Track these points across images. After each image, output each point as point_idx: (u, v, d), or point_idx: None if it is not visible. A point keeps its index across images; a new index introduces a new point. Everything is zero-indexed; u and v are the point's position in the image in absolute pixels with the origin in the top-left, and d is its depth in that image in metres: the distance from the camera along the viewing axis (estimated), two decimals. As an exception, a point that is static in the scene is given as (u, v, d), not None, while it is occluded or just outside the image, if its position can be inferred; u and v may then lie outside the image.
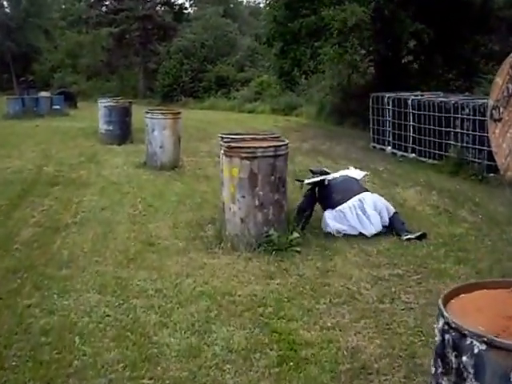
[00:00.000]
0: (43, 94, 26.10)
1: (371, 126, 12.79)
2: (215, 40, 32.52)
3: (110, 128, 13.64)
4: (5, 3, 42.01)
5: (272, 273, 4.97)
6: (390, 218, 6.17)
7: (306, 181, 6.31)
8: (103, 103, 14.36)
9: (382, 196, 7.83)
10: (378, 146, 12.40)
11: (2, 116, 21.71)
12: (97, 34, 35.84)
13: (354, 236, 6.00)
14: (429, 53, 15.06)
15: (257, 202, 5.36)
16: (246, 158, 5.24)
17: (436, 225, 6.49)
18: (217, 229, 5.89)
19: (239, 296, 4.48)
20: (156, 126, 9.90)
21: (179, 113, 10.31)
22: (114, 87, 34.84)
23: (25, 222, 6.62)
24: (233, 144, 5.40)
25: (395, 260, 5.33)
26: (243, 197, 5.36)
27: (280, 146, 5.40)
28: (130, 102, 14.37)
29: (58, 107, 23.23)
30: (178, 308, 4.28)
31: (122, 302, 4.39)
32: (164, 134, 9.86)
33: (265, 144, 5.41)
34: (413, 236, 5.91)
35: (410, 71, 16.27)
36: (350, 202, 6.08)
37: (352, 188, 6.32)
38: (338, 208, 6.09)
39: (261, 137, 6.01)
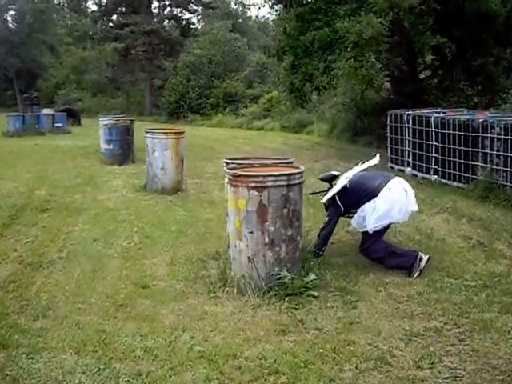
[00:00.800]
0: (46, 111, 25.53)
1: (388, 145, 12.00)
2: (223, 55, 31.98)
3: (111, 147, 12.93)
4: (9, 18, 41.66)
5: (285, 326, 4.17)
6: None
7: (325, 198, 5.51)
8: (104, 121, 13.67)
9: (407, 225, 7.16)
10: (397, 167, 11.59)
11: (1, 134, 21.15)
12: (102, 49, 35.37)
13: (380, 276, 5.20)
14: (448, 67, 14.30)
15: (267, 239, 4.57)
16: (255, 188, 4.46)
17: (471, 261, 5.67)
18: (221, 268, 5.09)
19: (246, 359, 3.68)
20: (157, 147, 9.15)
21: (182, 132, 9.55)
22: (120, 104, 34.38)
23: (5, 257, 5.86)
24: (239, 171, 4.62)
25: (429, 308, 4.51)
26: (251, 232, 4.58)
27: (294, 173, 4.61)
28: (131, 120, 13.64)
29: (60, 125, 22.67)
30: (170, 376, 3.49)
31: (103, 366, 3.60)
32: (165, 154, 9.11)
33: (276, 171, 4.62)
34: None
35: (428, 87, 15.47)
36: (391, 183, 5.34)
37: (379, 174, 5.70)
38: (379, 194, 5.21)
39: (271, 162, 5.21)
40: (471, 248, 6.13)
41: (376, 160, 5.85)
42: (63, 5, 57.19)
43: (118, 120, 13.61)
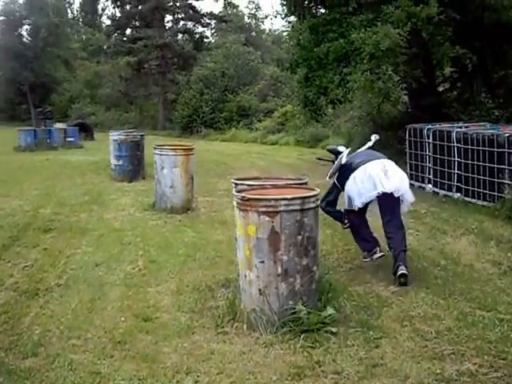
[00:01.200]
0: (58, 125, 25.42)
1: (408, 160, 11.52)
2: (236, 69, 31.72)
3: (120, 163, 12.60)
4: (24, 33, 41.80)
5: (300, 368, 3.72)
6: None
7: (329, 173, 5.94)
8: (114, 136, 13.37)
9: (430, 248, 6.70)
10: (417, 184, 11.11)
11: (13, 148, 20.98)
12: (115, 63, 35.30)
13: (405, 308, 4.74)
14: (468, 79, 13.83)
15: (279, 269, 4.15)
16: (266, 212, 4.04)
17: (504, 290, 5.18)
18: (230, 299, 4.66)
19: (256, 410, 3.25)
20: (165, 164, 8.77)
21: (192, 148, 9.16)
22: (133, 118, 34.22)
23: (0, 283, 5.48)
24: (249, 195, 4.20)
25: (461, 347, 4.03)
26: (262, 262, 4.16)
27: (309, 197, 4.18)
28: (141, 135, 13.31)
29: (72, 139, 22.47)
30: (169, 431, 3.07)
31: (93, 419, 3.19)
32: (174, 172, 8.73)
33: (289, 194, 4.19)
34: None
35: (447, 100, 14.99)
36: (372, 162, 5.66)
37: (369, 153, 6.01)
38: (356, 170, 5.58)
39: (283, 183, 4.79)
40: (502, 274, 5.65)
41: (371, 142, 6.29)
42: (78, 19, 57.58)
43: (127, 135, 13.30)
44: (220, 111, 29.74)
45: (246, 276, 4.28)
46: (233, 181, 4.88)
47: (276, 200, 4.04)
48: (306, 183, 4.91)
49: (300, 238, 4.11)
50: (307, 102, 14.02)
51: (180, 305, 4.85)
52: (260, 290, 4.20)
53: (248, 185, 4.68)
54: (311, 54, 13.29)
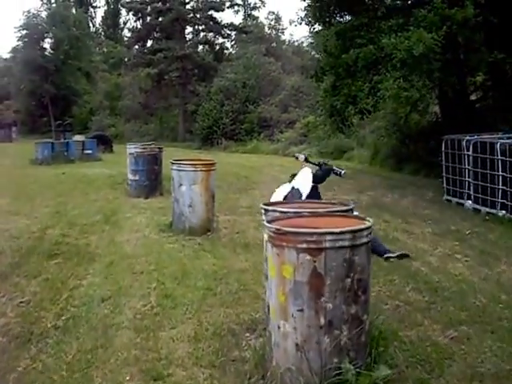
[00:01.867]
0: (77, 137, 24.86)
1: (444, 174, 10.64)
2: (257, 79, 31.02)
3: (137, 178, 11.88)
4: (46, 46, 41.61)
5: None
6: None
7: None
8: (130, 149, 12.67)
9: (485, 279, 5.82)
10: (454, 200, 10.22)
11: (30, 161, 20.45)
12: (135, 75, 34.86)
13: (470, 362, 3.87)
14: (506, 86, 12.90)
15: (322, 320, 3.31)
16: (307, 250, 3.21)
17: None
18: (258, 352, 3.83)
19: None
20: (184, 180, 7.99)
21: (213, 163, 8.37)
22: (153, 130, 33.65)
23: (-10, 325, 4.72)
24: (284, 226, 3.37)
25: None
26: (300, 310, 3.32)
27: (361, 230, 3.33)
28: (159, 148, 12.58)
29: (90, 152, 21.87)
30: None
31: None
32: (194, 189, 7.94)
33: (336, 227, 3.35)
34: (393, 255, 5.66)
35: (481, 109, 14.09)
36: None
37: None
38: None
39: (325, 210, 3.94)
40: None
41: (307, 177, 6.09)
42: (100, 33, 57.55)
43: (144, 148, 12.57)
44: (241, 122, 29.03)
45: (279, 327, 3.44)
46: (262, 206, 4.04)
47: (320, 234, 3.20)
48: (352, 210, 4.05)
49: (349, 280, 3.27)
50: (334, 111, 13.19)
51: (198, 356, 4.01)
52: (298, 344, 3.36)
53: (281, 212, 3.84)
54: (339, 61, 12.49)
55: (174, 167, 8.16)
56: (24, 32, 41.24)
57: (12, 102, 45.68)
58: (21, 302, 5.22)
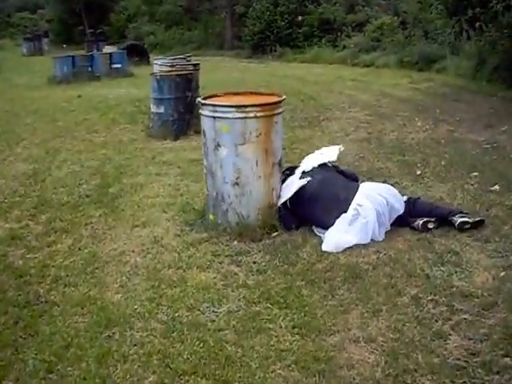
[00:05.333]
0: (107, 48, 21.08)
1: None
2: (318, -27, 25.87)
3: (161, 111, 8.13)
4: None
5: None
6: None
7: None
8: (156, 65, 8.92)
9: None
10: None
11: (48, 80, 16.85)
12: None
13: None
14: None
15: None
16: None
17: None
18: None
19: None
20: (224, 138, 4.21)
21: (279, 101, 4.46)
22: (197, 36, 29.36)
23: None
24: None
25: None
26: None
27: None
28: (195, 65, 8.74)
29: (118, 66, 18.11)
30: None
31: None
32: (243, 155, 4.19)
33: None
34: (470, 220, 4.19)
35: None
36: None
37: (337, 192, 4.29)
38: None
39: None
40: None
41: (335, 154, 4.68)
42: None
43: (172, 65, 8.73)
44: (298, 26, 24.26)
45: None
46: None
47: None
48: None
49: None
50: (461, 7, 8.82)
51: None
52: None
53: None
54: None
55: (207, 110, 4.35)
56: None
57: (46, 10, 41.78)
58: None
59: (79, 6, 34.89)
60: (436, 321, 3.22)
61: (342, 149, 4.93)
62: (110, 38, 30.61)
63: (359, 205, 4.19)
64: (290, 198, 4.40)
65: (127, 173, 6.38)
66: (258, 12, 25.29)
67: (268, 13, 24.80)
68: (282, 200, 4.41)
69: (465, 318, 3.21)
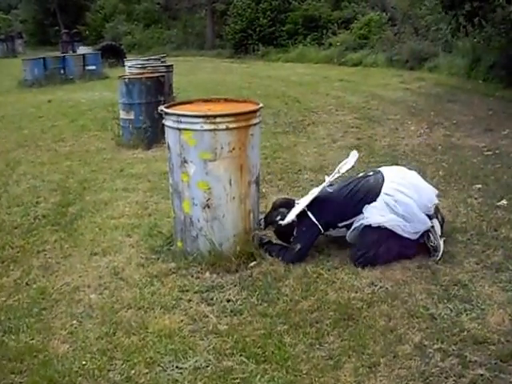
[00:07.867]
0: (81, 49, 20.37)
1: None
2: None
3: (131, 117, 7.49)
4: None
5: None
6: None
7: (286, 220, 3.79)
8: (127, 68, 8.29)
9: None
10: None
11: (18, 84, 16.11)
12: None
13: None
14: None
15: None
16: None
17: None
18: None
19: None
20: (190, 154, 3.61)
21: (257, 110, 3.86)
22: (176, 36, 28.66)
23: None
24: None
25: None
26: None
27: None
28: (167, 67, 8.11)
29: (93, 68, 17.46)
30: None
31: None
32: (214, 172, 3.59)
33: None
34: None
35: None
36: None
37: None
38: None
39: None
40: None
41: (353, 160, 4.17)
42: None
43: (143, 67, 8.11)
44: (282, 23, 23.66)
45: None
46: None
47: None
48: None
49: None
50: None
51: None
52: None
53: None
54: None
55: (170, 120, 3.75)
56: None
57: (19, 10, 40.78)
58: None
59: (54, 6, 33.97)
60: (446, 378, 2.65)
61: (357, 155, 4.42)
62: (87, 39, 29.86)
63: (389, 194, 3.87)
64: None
65: (91, 188, 5.75)
66: (238, 9, 24.69)
67: (249, 10, 24.21)
68: (297, 210, 3.87)
69: (481, 374, 2.65)
